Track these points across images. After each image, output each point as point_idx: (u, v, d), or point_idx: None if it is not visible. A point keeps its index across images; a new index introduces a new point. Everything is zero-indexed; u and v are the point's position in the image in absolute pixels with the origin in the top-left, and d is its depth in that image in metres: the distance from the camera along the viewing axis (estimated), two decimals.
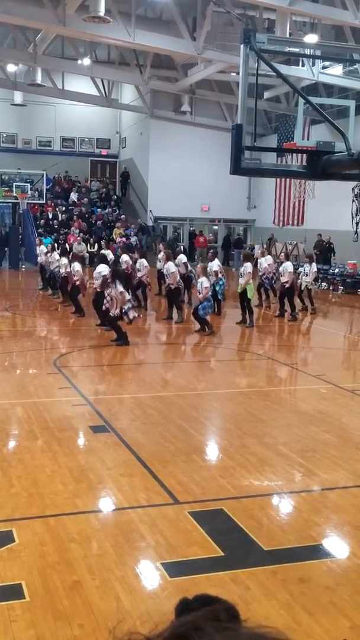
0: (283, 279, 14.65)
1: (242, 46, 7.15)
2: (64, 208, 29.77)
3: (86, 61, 25.92)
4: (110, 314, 11.32)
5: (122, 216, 29.74)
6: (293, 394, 9.48)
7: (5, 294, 19.32)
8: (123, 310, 11.21)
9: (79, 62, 25.83)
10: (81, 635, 3.52)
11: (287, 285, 14.56)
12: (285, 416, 7.81)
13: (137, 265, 15.32)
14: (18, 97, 29.80)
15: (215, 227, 31.52)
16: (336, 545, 4.70)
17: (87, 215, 29.55)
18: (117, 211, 30.54)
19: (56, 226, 28.15)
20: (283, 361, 11.28)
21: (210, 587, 3.99)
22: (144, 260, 15.40)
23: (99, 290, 12.38)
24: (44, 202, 28.71)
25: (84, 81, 28.68)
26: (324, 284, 22.53)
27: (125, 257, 15.77)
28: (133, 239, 27.44)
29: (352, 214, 21.37)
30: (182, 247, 21.18)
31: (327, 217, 23.51)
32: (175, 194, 28.77)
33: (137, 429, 6.98)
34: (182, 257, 15.99)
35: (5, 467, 5.81)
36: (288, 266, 14.55)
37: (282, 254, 15.48)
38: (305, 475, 5.87)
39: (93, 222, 29.03)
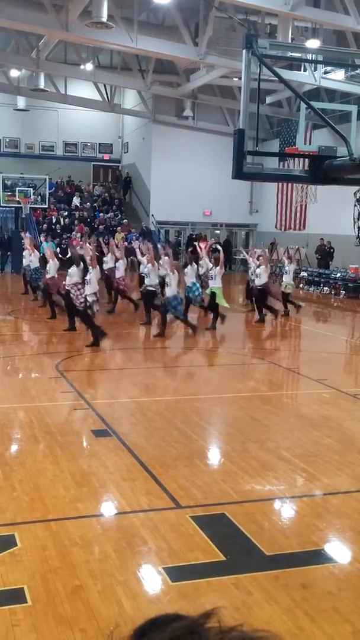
0: (257, 282, 14.72)
1: (244, 51, 7.18)
2: (66, 213, 29.83)
3: (89, 66, 26.01)
4: (77, 305, 11.48)
5: (124, 221, 29.80)
6: (295, 399, 9.47)
7: (8, 298, 19.35)
8: (88, 303, 11.27)
9: (82, 67, 25.92)
10: (83, 639, 3.52)
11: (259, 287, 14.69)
12: (287, 421, 7.80)
13: (117, 264, 15.34)
14: (21, 102, 29.92)
15: (218, 232, 31.56)
16: (338, 550, 4.69)
17: (89, 220, 29.61)
18: (120, 215, 30.60)
19: (59, 231, 28.20)
20: (284, 365, 11.27)
21: (211, 591, 3.99)
22: (122, 262, 15.47)
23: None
24: (46, 206, 28.77)
25: (87, 86, 28.77)
26: (325, 288, 22.55)
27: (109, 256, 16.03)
28: (135, 244, 27.46)
29: (353, 218, 21.38)
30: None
31: (329, 222, 23.53)
32: (177, 198, 28.81)
33: (139, 433, 6.97)
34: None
35: (7, 471, 5.81)
36: (263, 269, 14.63)
37: (259, 257, 15.25)
38: (307, 480, 5.86)
39: (95, 226, 29.09)
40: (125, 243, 27.58)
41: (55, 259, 14.72)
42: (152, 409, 7.96)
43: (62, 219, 29.21)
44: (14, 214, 28.14)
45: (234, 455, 6.42)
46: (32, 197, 27.55)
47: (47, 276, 14.60)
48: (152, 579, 4.17)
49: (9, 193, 27.44)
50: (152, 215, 29.77)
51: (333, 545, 4.73)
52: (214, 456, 6.72)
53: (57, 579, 4.08)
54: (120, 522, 4.96)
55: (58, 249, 26.60)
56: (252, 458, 6.32)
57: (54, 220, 28.77)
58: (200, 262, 15.21)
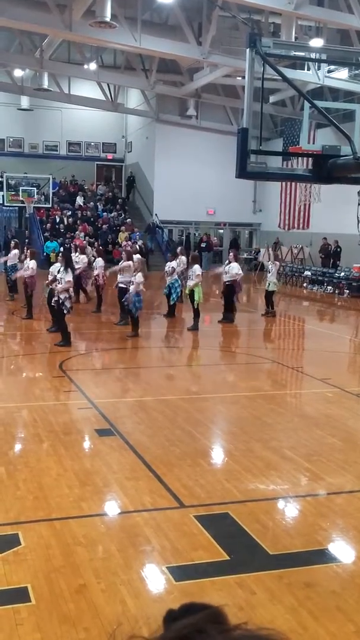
0: (225, 277, 14.68)
1: (247, 50, 7.17)
2: (69, 212, 29.86)
3: (92, 66, 26.01)
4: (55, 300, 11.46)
5: (128, 220, 29.80)
6: (298, 398, 9.46)
7: None
8: (60, 301, 11.26)
9: (85, 66, 25.93)
10: (86, 638, 3.52)
11: (227, 283, 14.61)
12: (291, 420, 7.80)
13: (94, 264, 15.61)
14: (25, 101, 29.95)
15: (221, 231, 31.55)
16: (342, 550, 4.68)
17: (93, 219, 29.64)
18: (123, 215, 30.62)
19: (62, 230, 28.23)
20: (288, 365, 11.26)
21: (215, 591, 3.99)
22: (100, 260, 15.57)
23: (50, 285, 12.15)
24: (50, 206, 28.79)
25: (90, 86, 28.78)
26: (329, 287, 22.52)
27: (82, 257, 16.38)
28: (139, 243, 27.48)
29: (357, 217, 21.33)
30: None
31: (333, 221, 23.48)
32: (180, 197, 28.81)
33: (142, 433, 6.98)
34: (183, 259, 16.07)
35: (11, 471, 5.82)
36: (234, 267, 14.57)
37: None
38: (311, 479, 5.85)
39: (99, 225, 29.10)
40: (130, 242, 27.67)
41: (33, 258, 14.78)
42: (155, 408, 7.97)
43: (65, 219, 29.24)
44: (17, 214, 28.17)
45: (237, 455, 6.42)
46: (35, 196, 27.60)
47: (26, 274, 14.58)
48: (155, 578, 4.18)
49: (13, 193, 27.49)
50: (156, 214, 29.77)
51: (337, 545, 4.72)
52: (218, 455, 6.71)
53: (61, 578, 4.09)
54: (124, 521, 4.96)
55: (62, 249, 26.68)
56: (256, 457, 6.32)
57: (57, 220, 28.80)
58: (177, 260, 15.21)
